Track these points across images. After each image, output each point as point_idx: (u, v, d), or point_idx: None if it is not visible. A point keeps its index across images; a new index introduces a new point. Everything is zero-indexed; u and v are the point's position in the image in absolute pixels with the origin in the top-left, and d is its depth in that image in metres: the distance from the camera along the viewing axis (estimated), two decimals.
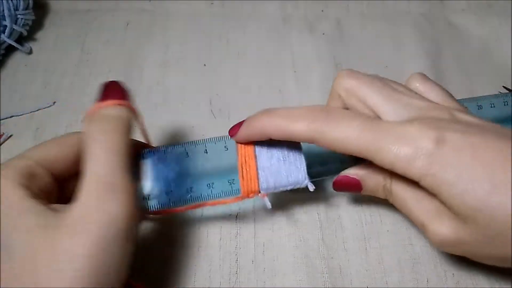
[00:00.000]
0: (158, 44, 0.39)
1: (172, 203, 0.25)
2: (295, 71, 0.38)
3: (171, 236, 0.29)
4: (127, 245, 0.21)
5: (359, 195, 0.30)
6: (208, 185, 0.25)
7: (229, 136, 0.26)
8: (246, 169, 0.25)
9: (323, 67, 0.38)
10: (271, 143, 0.26)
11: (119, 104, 0.23)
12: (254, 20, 0.42)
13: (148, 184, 0.25)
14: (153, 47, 0.39)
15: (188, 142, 0.26)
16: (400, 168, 0.22)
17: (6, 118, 0.34)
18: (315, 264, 0.28)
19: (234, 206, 0.30)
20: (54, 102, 0.35)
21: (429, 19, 0.42)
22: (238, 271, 0.28)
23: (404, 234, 0.30)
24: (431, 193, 0.23)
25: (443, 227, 0.23)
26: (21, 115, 0.34)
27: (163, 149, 0.26)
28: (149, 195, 0.25)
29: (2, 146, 0.33)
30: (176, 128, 0.34)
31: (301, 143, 0.26)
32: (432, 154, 0.21)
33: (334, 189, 0.28)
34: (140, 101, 0.35)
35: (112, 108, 0.23)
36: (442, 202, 0.23)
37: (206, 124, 0.34)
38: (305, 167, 0.26)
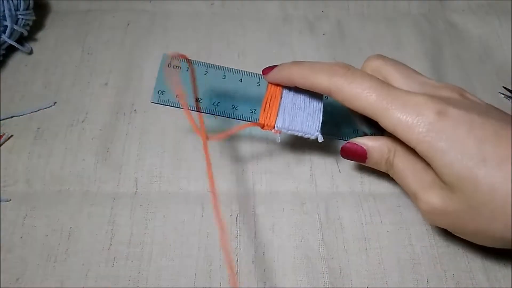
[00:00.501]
0: (158, 45, 0.39)
1: (199, 108, 0.29)
2: None
3: (171, 237, 0.29)
4: None
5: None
6: (233, 106, 0.29)
7: (262, 75, 0.29)
8: (269, 104, 0.29)
9: None
10: (297, 91, 0.29)
11: None
12: (254, 20, 0.42)
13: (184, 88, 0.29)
14: (154, 47, 0.39)
15: (227, 68, 0.30)
16: (400, 132, 0.24)
17: (7, 118, 0.34)
18: (315, 264, 0.28)
19: (234, 206, 0.31)
20: (55, 103, 0.35)
21: (429, 20, 0.42)
22: (238, 271, 0.28)
23: (404, 234, 0.30)
24: (426, 163, 0.25)
25: (433, 196, 0.25)
26: (22, 115, 0.34)
27: (206, 65, 0.30)
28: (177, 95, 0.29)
29: (2, 146, 0.33)
30: (176, 128, 0.34)
31: (323, 101, 0.29)
32: (431, 123, 0.23)
33: (341, 155, 0.29)
34: (140, 101, 0.36)
35: None
36: (434, 170, 0.24)
37: (206, 124, 0.34)
38: (320, 121, 0.28)
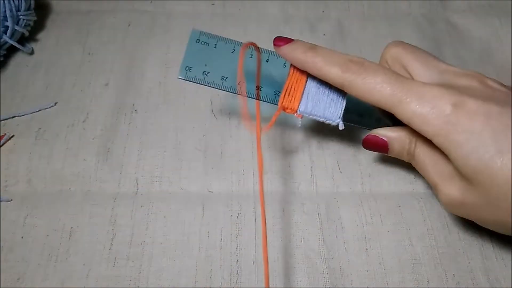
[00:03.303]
0: (159, 45, 0.39)
1: (224, 87, 0.29)
2: None
3: (172, 237, 0.29)
4: None
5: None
6: (257, 87, 0.29)
7: (273, 45, 0.29)
8: (293, 88, 0.28)
9: None
10: None
11: None
12: (255, 21, 0.42)
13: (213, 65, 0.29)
14: (155, 48, 0.39)
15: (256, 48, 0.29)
16: (416, 124, 0.24)
17: (8, 118, 0.34)
18: (316, 264, 0.28)
19: (234, 206, 0.31)
20: (56, 103, 0.35)
21: (429, 20, 0.42)
22: (239, 271, 0.28)
23: (404, 234, 0.30)
24: (445, 155, 0.24)
25: (453, 188, 0.25)
26: (23, 115, 0.35)
27: (234, 43, 0.30)
28: (208, 72, 0.29)
29: (3, 146, 0.33)
30: (177, 128, 0.34)
31: None
32: (447, 116, 0.23)
33: (363, 146, 0.29)
34: (141, 102, 0.36)
35: None
36: (451, 162, 0.24)
37: (207, 125, 0.35)
38: (343, 108, 0.28)
